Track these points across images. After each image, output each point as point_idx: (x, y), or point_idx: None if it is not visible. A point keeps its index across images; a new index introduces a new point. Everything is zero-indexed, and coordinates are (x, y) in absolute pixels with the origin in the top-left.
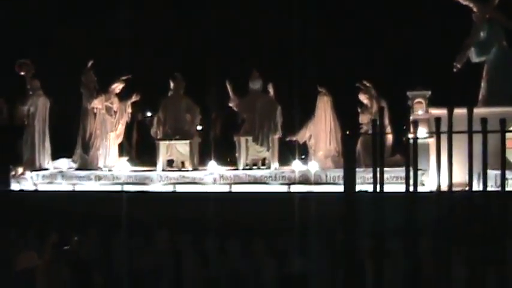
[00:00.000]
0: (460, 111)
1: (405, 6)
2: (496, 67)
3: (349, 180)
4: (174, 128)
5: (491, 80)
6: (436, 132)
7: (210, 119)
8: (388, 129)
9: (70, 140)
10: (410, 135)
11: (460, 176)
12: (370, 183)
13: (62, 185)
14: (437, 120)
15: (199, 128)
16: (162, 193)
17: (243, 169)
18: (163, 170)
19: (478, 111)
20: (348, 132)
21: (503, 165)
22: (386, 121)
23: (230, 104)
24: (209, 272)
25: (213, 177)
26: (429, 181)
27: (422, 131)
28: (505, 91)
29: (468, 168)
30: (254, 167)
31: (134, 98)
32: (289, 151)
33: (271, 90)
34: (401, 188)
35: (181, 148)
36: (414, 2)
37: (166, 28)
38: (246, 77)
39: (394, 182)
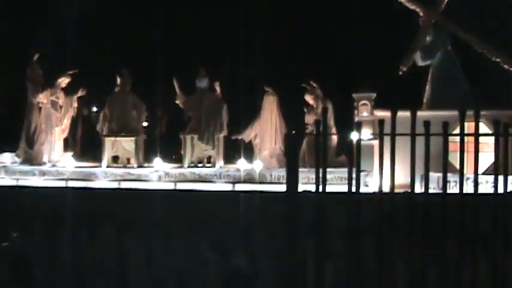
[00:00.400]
0: (405, 114)
1: (352, 8)
2: (441, 71)
3: (292, 179)
4: (119, 125)
5: (435, 84)
6: (379, 134)
7: (156, 116)
8: (333, 130)
9: (14, 134)
10: (355, 136)
11: (403, 177)
12: (314, 183)
13: (4, 180)
14: (381, 122)
15: (145, 124)
16: (107, 189)
17: (188, 167)
18: (108, 167)
19: (422, 114)
20: (294, 132)
21: (445, 168)
22: (332, 122)
23: (177, 101)
24: (154, 269)
25: (158, 175)
26: (373, 182)
27: (366, 133)
28: (448, 95)
29: (410, 170)
30: (199, 165)
31: (80, 93)
32: (235, 150)
33: (218, 89)
34: (345, 188)
35: (127, 145)
36: (361, 4)
37: (115, 23)
38: (194, 74)
39: (338, 183)
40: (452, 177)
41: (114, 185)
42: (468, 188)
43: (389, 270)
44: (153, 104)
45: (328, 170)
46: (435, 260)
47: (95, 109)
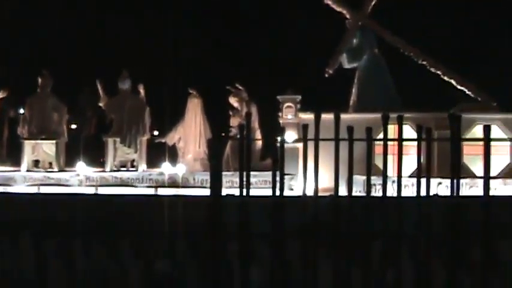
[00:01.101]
0: (330, 117)
1: (278, 10)
2: (367, 73)
3: (215, 183)
4: (39, 127)
5: (362, 87)
6: (303, 139)
7: (84, 118)
8: (258, 133)
9: None
10: (279, 140)
11: (328, 181)
12: (238, 187)
13: None
14: (305, 126)
15: (73, 126)
16: (26, 194)
17: (111, 171)
18: (28, 171)
19: (348, 117)
20: (222, 135)
21: (369, 171)
22: (256, 125)
23: (100, 104)
24: (75, 274)
25: (78, 179)
26: (298, 185)
27: (291, 136)
28: (375, 97)
29: (334, 173)
30: (123, 169)
31: (1, 95)
32: (159, 153)
33: (141, 91)
34: (270, 192)
35: (48, 148)
36: (288, 6)
37: (38, 24)
38: (117, 76)
39: (263, 186)
40: (378, 180)
41: (34, 189)
42: (394, 190)
43: (313, 272)
44: (79, 106)
45: (252, 173)
46: (359, 261)
47: (22, 111)
